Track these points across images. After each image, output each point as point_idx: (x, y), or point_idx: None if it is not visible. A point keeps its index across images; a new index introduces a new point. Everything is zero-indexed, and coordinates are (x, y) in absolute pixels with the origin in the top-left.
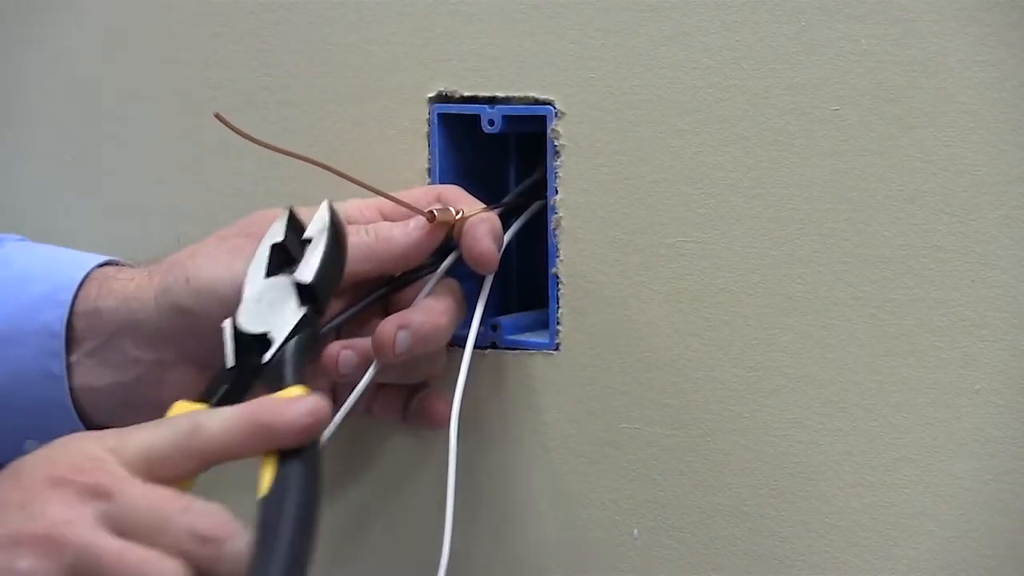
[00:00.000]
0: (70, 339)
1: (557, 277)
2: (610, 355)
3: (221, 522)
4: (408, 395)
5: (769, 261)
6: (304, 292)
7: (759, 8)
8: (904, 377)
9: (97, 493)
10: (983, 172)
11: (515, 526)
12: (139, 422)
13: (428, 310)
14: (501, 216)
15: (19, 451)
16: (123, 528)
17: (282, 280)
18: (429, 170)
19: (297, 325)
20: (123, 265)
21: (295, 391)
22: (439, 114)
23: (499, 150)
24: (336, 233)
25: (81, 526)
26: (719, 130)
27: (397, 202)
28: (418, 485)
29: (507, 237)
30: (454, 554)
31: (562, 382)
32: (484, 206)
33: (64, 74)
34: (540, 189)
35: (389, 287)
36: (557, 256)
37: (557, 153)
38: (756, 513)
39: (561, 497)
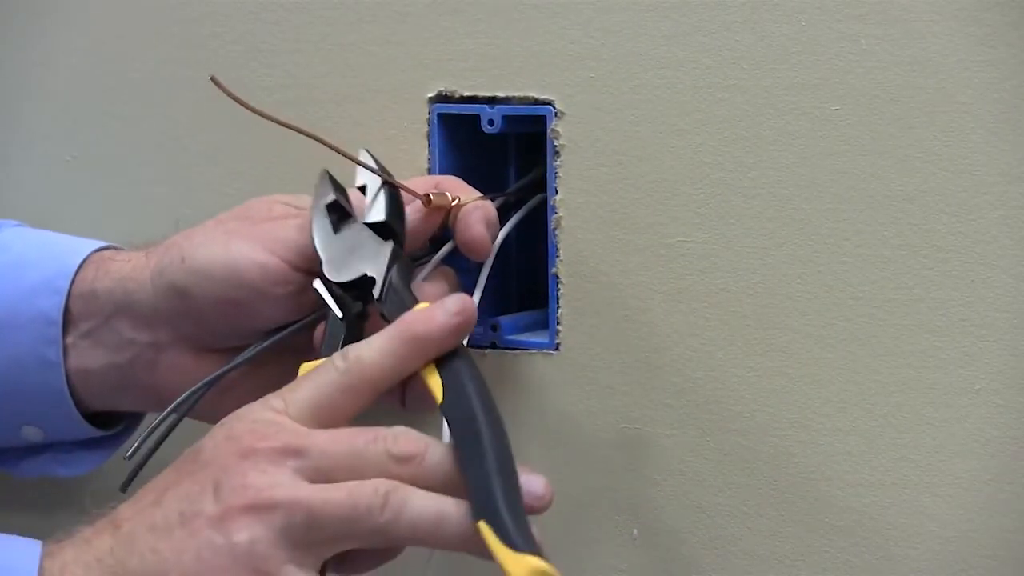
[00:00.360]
0: (66, 322)
1: (557, 277)
2: (610, 355)
3: (413, 439)
4: (407, 381)
5: (769, 261)
6: (382, 229)
7: (759, 8)
8: (904, 377)
9: (287, 453)
10: (983, 172)
11: None
12: (133, 406)
13: (421, 295)
14: (500, 209)
15: (17, 437)
16: (323, 477)
17: (354, 229)
18: (429, 170)
19: (391, 256)
20: (120, 248)
21: (423, 307)
22: (439, 114)
23: (499, 150)
24: (386, 172)
25: (283, 486)
26: (719, 130)
27: (394, 183)
28: None
29: (506, 229)
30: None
31: (562, 382)
32: (481, 195)
33: (64, 74)
34: (539, 186)
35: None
36: (557, 256)
37: (557, 153)
38: (756, 513)
39: (561, 497)
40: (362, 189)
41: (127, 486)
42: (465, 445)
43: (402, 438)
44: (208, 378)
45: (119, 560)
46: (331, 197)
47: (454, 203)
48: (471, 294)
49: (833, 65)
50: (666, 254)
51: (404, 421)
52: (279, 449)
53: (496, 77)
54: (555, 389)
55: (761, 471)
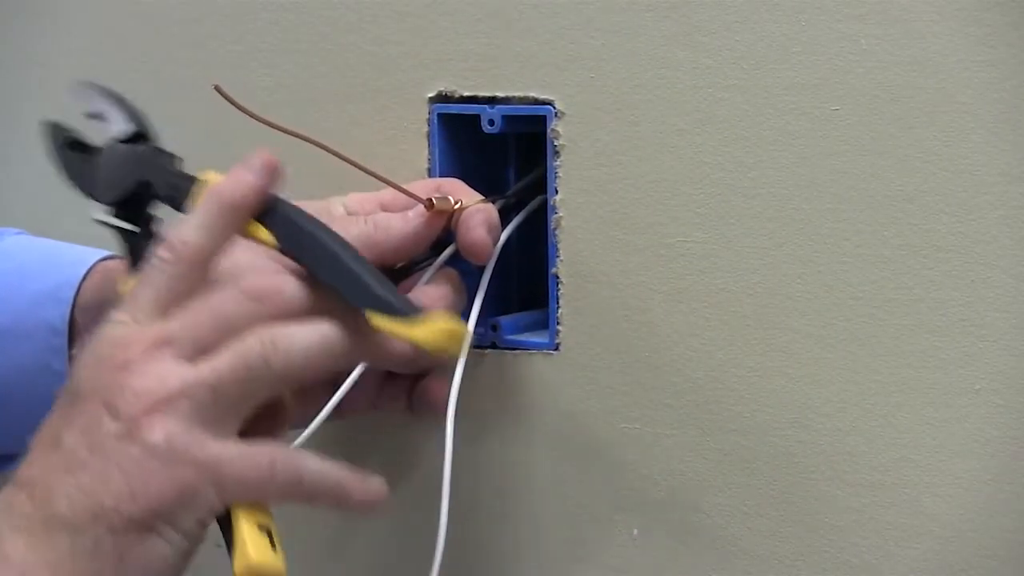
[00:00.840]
0: (72, 333)
1: (557, 277)
2: (610, 355)
3: (265, 275)
4: (412, 385)
5: (769, 261)
6: (135, 140)
7: (759, 8)
8: (904, 377)
9: (157, 346)
10: (983, 172)
11: (514, 526)
12: None
13: (425, 297)
14: (501, 211)
15: (22, 445)
16: (201, 351)
17: (105, 152)
18: (429, 170)
19: (151, 153)
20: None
21: (213, 175)
22: (439, 114)
23: (499, 150)
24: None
25: (172, 375)
26: (719, 130)
27: (396, 188)
28: (415, 483)
29: (507, 232)
30: (451, 554)
31: (562, 382)
32: (483, 198)
33: (65, 74)
34: (540, 187)
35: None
36: (557, 256)
37: (557, 153)
38: (756, 513)
39: (561, 497)
40: (95, 116)
41: None
42: (316, 263)
43: (251, 278)
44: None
45: (46, 511)
46: (62, 137)
47: (456, 207)
48: (473, 296)
49: (833, 65)
50: (666, 254)
51: (409, 426)
52: (149, 347)
53: (496, 77)
54: (555, 389)
55: (761, 471)
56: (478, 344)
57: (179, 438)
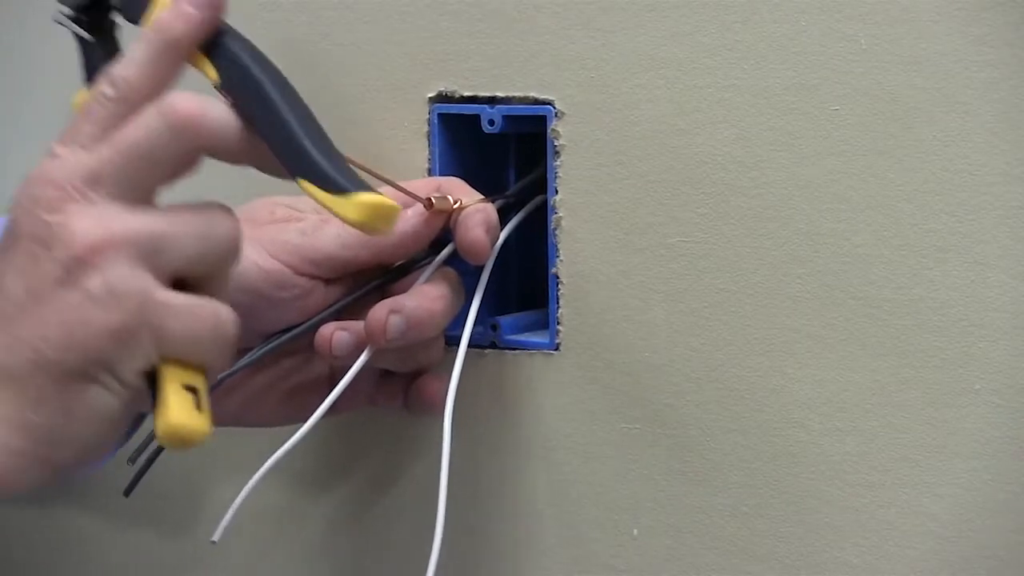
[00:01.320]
0: None
1: (557, 277)
2: (610, 355)
3: (190, 101)
4: (410, 383)
5: (769, 261)
6: None
7: (759, 8)
8: (904, 377)
9: (90, 184)
10: (983, 172)
11: (514, 526)
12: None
13: (422, 296)
14: (501, 211)
15: None
16: (133, 193)
17: None
18: (429, 170)
19: None
20: None
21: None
22: (439, 114)
23: (499, 150)
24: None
25: (110, 217)
26: (719, 130)
27: (396, 187)
28: (413, 483)
29: (506, 231)
30: (450, 554)
31: (562, 382)
32: (483, 197)
33: (65, 73)
34: (540, 187)
35: (386, 277)
36: (557, 256)
37: (557, 153)
38: (756, 513)
39: (561, 497)
40: None
41: (130, 491)
42: (257, 111)
43: (176, 102)
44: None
45: None
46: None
47: (455, 206)
48: (472, 296)
49: (833, 65)
50: (666, 254)
51: (405, 423)
52: (82, 186)
53: (496, 77)
54: (555, 389)
55: (761, 471)
56: (478, 344)
57: (119, 283)
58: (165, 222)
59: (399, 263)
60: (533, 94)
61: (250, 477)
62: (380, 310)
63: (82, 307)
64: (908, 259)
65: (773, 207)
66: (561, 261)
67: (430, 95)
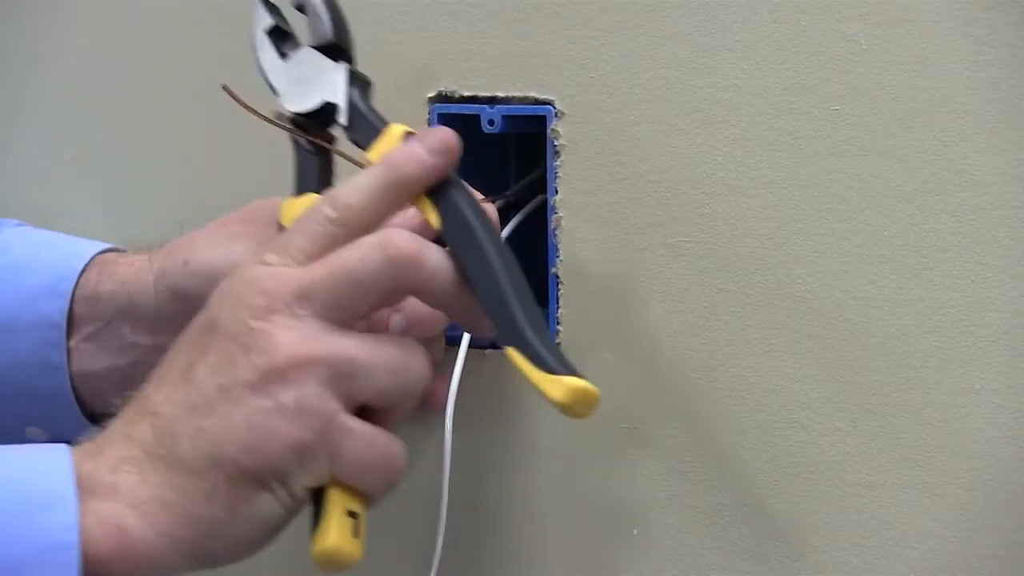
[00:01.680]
0: (70, 325)
1: (557, 277)
2: (610, 355)
3: (407, 238)
4: None
5: (769, 260)
6: (331, 50)
7: (759, 8)
8: (904, 377)
9: (301, 301)
10: (983, 172)
11: (514, 526)
12: None
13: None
14: (501, 211)
15: (21, 438)
16: (339, 316)
17: (301, 53)
18: None
19: (348, 77)
20: (124, 251)
21: (397, 130)
22: (439, 114)
23: (499, 150)
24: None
25: (314, 338)
26: (719, 130)
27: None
28: (415, 483)
29: (506, 231)
30: (450, 554)
31: None
32: (483, 197)
33: (65, 73)
34: (540, 187)
35: None
36: (557, 256)
37: (557, 153)
38: (756, 513)
39: (561, 496)
40: (300, 8)
41: None
42: (473, 268)
43: (396, 240)
44: None
45: (168, 448)
46: (269, 21)
47: None
48: None
49: (833, 65)
50: (666, 254)
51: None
52: (291, 300)
53: (496, 77)
54: None
55: (761, 471)
56: (478, 344)
57: (310, 401)
58: (364, 350)
59: None
60: (533, 94)
61: None
62: (381, 309)
63: (271, 416)
64: (908, 259)
65: (773, 207)
66: (561, 261)
67: (430, 95)
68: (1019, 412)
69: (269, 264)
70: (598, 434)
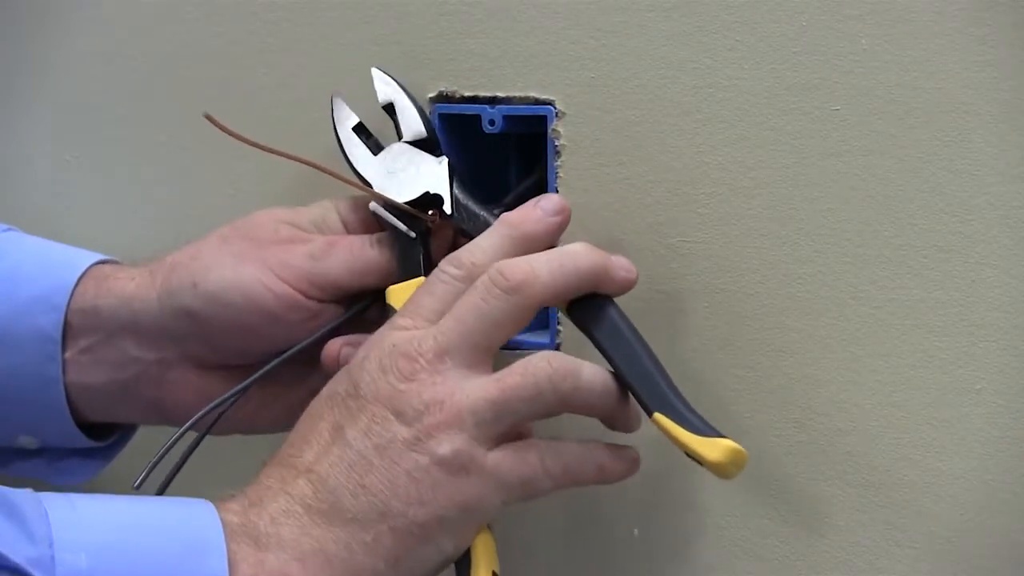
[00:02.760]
0: (65, 337)
1: None
2: None
3: (516, 265)
4: None
5: (769, 261)
6: (426, 144)
7: (759, 8)
8: (904, 377)
9: (441, 358)
10: (983, 172)
11: (514, 526)
12: (133, 418)
13: None
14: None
15: (12, 444)
16: (476, 353)
17: (393, 148)
18: None
19: (450, 170)
20: (119, 264)
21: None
22: (439, 114)
23: (499, 150)
24: (406, 87)
25: (460, 391)
26: (719, 130)
27: (396, 206)
28: None
29: None
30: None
31: None
32: (489, 205)
33: (65, 74)
34: (540, 189)
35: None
36: None
37: (557, 153)
38: (756, 513)
39: (561, 496)
40: (388, 108)
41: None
42: (617, 355)
43: (505, 270)
44: (225, 395)
45: (330, 503)
46: (355, 119)
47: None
48: None
49: (833, 65)
50: (666, 254)
51: None
52: (433, 360)
53: (496, 77)
54: None
55: (761, 471)
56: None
57: (464, 452)
58: (499, 389)
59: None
60: (533, 94)
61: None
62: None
63: (432, 471)
64: (908, 259)
65: (773, 207)
66: None
67: (430, 95)
68: (1019, 412)
69: (405, 329)
70: (598, 434)
